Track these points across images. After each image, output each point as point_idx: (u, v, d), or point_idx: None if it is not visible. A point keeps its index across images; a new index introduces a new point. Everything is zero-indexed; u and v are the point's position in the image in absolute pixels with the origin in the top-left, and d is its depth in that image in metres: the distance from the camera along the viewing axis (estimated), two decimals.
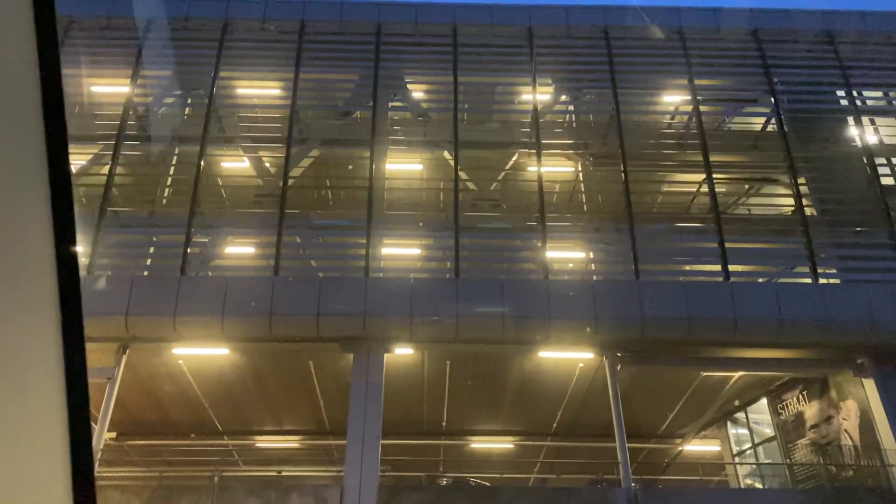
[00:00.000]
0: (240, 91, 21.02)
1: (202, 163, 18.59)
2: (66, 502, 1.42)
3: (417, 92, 21.44)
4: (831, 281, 17.78)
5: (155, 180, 20.13)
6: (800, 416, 18.45)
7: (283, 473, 21.84)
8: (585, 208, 20.59)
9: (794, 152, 18.89)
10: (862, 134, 19.50)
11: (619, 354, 16.89)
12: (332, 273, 18.50)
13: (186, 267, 17.10)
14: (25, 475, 1.40)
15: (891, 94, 21.18)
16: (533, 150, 19.11)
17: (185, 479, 17.13)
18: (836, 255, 18.25)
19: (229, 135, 19.88)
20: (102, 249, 17.53)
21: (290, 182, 18.64)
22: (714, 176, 18.64)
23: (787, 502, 15.81)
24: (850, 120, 19.92)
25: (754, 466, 20.70)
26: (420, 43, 20.72)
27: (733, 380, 18.42)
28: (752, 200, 21.13)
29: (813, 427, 17.95)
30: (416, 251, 19.50)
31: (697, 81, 19.97)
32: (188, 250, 17.32)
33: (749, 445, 20.94)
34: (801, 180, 18.80)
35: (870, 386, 16.35)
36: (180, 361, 18.00)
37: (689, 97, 19.93)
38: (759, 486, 20.42)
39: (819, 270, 17.43)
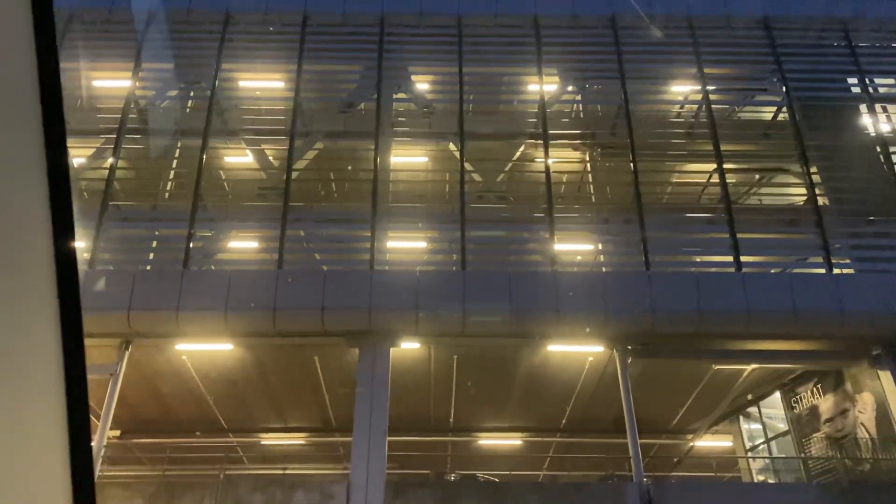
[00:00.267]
0: (242, 84, 20.77)
1: (205, 156, 18.36)
2: (66, 501, 1.41)
3: (422, 84, 21.15)
4: (845, 271, 17.43)
5: (157, 174, 19.91)
6: (814, 410, 18.09)
7: (289, 472, 21.55)
8: (594, 199, 20.27)
9: (805, 141, 18.53)
10: (875, 122, 19.14)
11: (629, 347, 16.58)
12: (337, 267, 18.20)
13: (189, 261, 16.87)
14: (25, 474, 1.39)
15: None
16: (540, 141, 18.80)
17: (189, 476, 16.86)
18: (850, 244, 17.89)
19: (232, 128, 19.63)
20: (104, 244, 17.32)
21: (294, 175, 18.38)
22: (725, 166, 18.30)
23: (804, 497, 15.46)
24: (863, 108, 19.54)
25: (767, 462, 20.35)
26: (424, 34, 20.44)
27: (746, 373, 18.05)
28: (764, 190, 20.77)
29: (828, 421, 17.59)
30: (422, 244, 19.22)
31: (707, 70, 19.63)
32: (191, 245, 17.10)
33: (762, 440, 20.58)
34: (813, 169, 18.44)
35: (886, 378, 16.00)
36: (184, 357, 17.78)
37: (699, 86, 19.58)
38: (773, 481, 20.06)
39: (833, 260, 17.08)
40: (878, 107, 19.50)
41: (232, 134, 19.59)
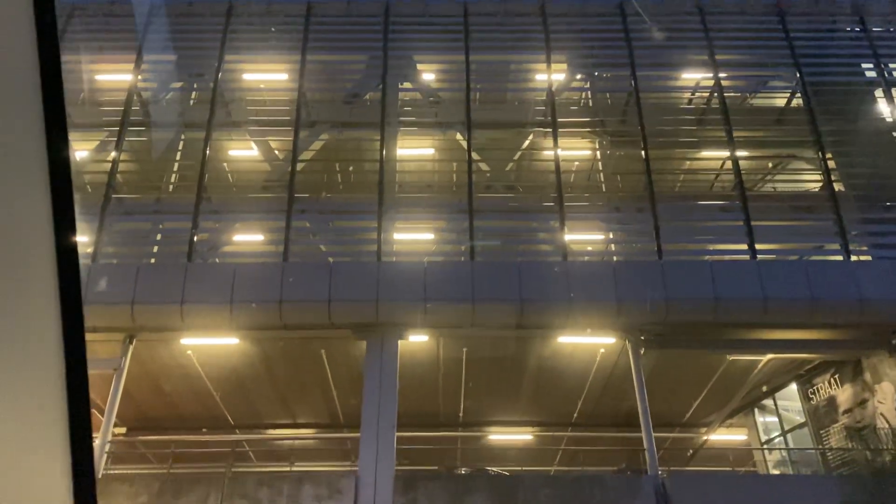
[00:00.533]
0: (246, 75, 20.52)
1: (208, 149, 18.10)
2: (67, 499, 1.40)
3: (428, 73, 20.84)
4: (862, 258, 17.03)
5: (161, 167, 19.67)
6: (832, 401, 17.68)
7: (296, 469, 21.28)
8: (604, 188, 19.91)
9: (820, 127, 18.14)
10: (890, 106, 18.72)
11: (642, 338, 16.23)
12: (344, 259, 17.90)
13: (193, 254, 16.62)
14: (26, 471, 1.39)
15: None
16: (549, 129, 18.47)
17: (195, 472, 16.60)
18: (868, 230, 17.48)
19: (236, 120, 19.37)
20: (107, 237, 17.09)
21: (299, 167, 18.11)
22: (738, 153, 17.93)
23: (824, 489, 15.04)
24: (879, 93, 19.13)
25: (783, 456, 19.93)
26: (430, 22, 20.13)
27: (761, 363, 17.65)
28: (778, 178, 20.36)
29: (846, 412, 17.18)
30: (430, 235, 18.91)
31: (719, 56, 19.25)
32: (195, 237, 16.84)
33: (778, 433, 20.16)
34: (828, 155, 18.05)
35: None
36: (189, 352, 17.51)
37: (710, 73, 19.20)
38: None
39: (850, 247, 16.69)
40: (894, 91, 19.07)
41: (236, 126, 19.33)
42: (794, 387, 19.02)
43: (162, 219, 18.62)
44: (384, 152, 18.05)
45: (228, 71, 19.61)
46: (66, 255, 1.41)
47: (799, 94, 19.03)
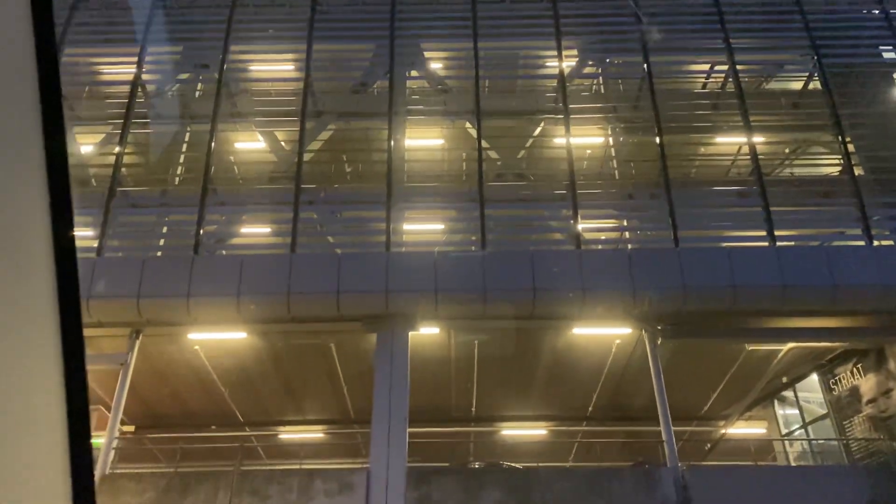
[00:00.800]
0: (252, 66, 20.25)
1: (214, 140, 17.83)
2: (65, 498, 1.39)
3: (436, 61, 20.48)
4: (885, 243, 16.57)
5: (166, 159, 19.42)
6: (855, 391, 17.20)
7: (307, 466, 20.96)
8: (617, 175, 19.50)
9: (839, 110, 17.67)
10: None
11: (658, 328, 15.81)
12: (352, 249, 17.56)
13: (200, 247, 16.33)
14: (24, 471, 1.36)
15: None
16: (560, 115, 18.08)
17: (204, 469, 16.29)
18: (889, 215, 17.01)
19: (242, 111, 19.08)
20: (113, 231, 16.83)
21: (307, 157, 17.80)
22: (755, 138, 17.50)
23: (850, 480, 14.63)
24: None
25: (805, 449, 19.45)
26: (438, 10, 19.79)
27: (781, 353, 17.20)
28: (795, 162, 19.89)
29: (870, 402, 16.69)
30: (439, 225, 18.56)
31: (733, 41, 18.79)
32: (201, 230, 16.56)
33: (799, 426, 19.68)
34: (848, 139, 17.58)
35: None
36: (196, 347, 17.24)
37: (725, 57, 18.76)
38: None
39: (872, 232, 16.22)
40: None
41: (242, 117, 19.04)
42: (814, 377, 18.55)
43: (168, 212, 18.35)
44: (392, 142, 17.73)
45: (234, 61, 19.31)
46: (65, 252, 1.39)
47: (816, 77, 18.56)
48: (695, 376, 18.48)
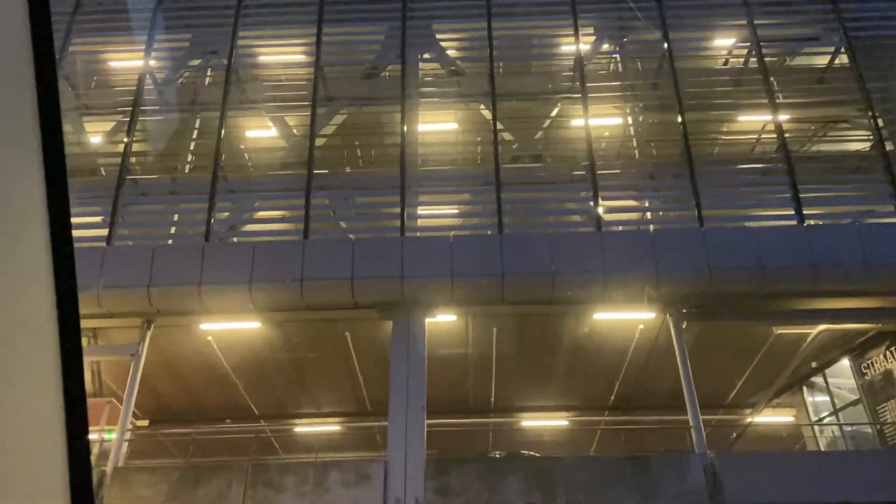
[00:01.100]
0: (261, 52, 19.88)
1: (224, 127, 17.49)
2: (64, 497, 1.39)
3: (449, 43, 20.01)
4: None
5: (176, 147, 19.10)
6: (888, 375, 16.57)
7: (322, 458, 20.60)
8: (637, 154, 18.95)
9: (868, 84, 17.03)
10: None
11: (683, 311, 15.27)
12: (366, 235, 17.13)
13: (211, 234, 16.00)
14: (20, 469, 1.36)
15: None
16: (577, 95, 17.57)
17: (218, 461, 15.95)
18: None
19: (252, 98, 18.73)
20: (122, 219, 16.54)
21: (319, 143, 17.42)
22: (781, 115, 16.90)
23: (886, 464, 14.02)
24: None
25: (835, 434, 18.80)
26: None
27: (811, 336, 16.56)
28: (823, 139, 19.23)
29: None
30: (455, 209, 18.11)
31: (755, 15, 18.17)
32: (212, 217, 16.22)
33: (829, 412, 19.03)
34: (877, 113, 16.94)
35: None
36: (209, 338, 16.90)
37: (748, 32, 18.15)
38: None
39: None
40: None
41: (252, 104, 18.69)
42: (845, 362, 17.91)
43: (178, 199, 18.03)
44: (405, 126, 17.30)
45: (242, 47, 18.96)
46: (62, 249, 1.39)
47: (843, 51, 17.92)
48: (720, 363, 17.89)
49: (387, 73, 19.31)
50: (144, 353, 15.37)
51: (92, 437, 15.78)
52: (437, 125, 19.48)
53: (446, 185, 17.75)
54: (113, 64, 20.11)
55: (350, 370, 18.58)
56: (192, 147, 19.11)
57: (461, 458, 15.15)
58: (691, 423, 14.26)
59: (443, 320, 15.93)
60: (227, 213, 17.15)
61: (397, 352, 14.98)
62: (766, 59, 17.75)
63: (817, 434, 18.85)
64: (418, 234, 16.54)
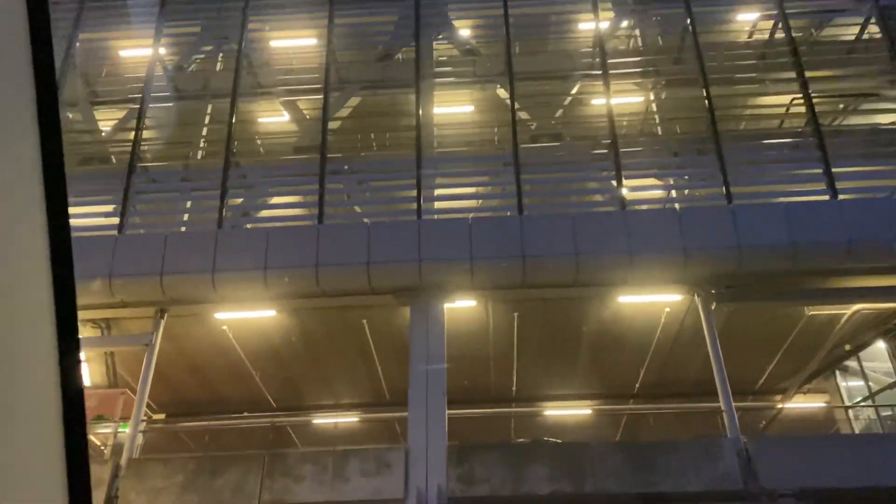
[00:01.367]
0: (272, 38, 19.53)
1: (236, 113, 17.14)
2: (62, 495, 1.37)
3: (464, 24, 19.54)
4: None
5: (188, 134, 18.81)
6: None
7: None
8: (660, 131, 18.38)
9: None
10: None
11: (713, 292, 14.71)
12: (382, 218, 16.71)
13: (223, 221, 15.65)
14: (18, 468, 1.34)
15: None
16: (598, 72, 17.04)
17: (234, 453, 15.60)
18: None
19: (264, 84, 18.38)
20: (134, 208, 16.24)
21: (334, 125, 17.03)
22: (811, 89, 16.28)
23: None
24: None
25: (871, 419, 18.16)
26: None
27: (845, 317, 15.93)
28: (854, 111, 18.58)
29: None
30: (472, 189, 17.63)
31: None
32: (225, 203, 15.87)
33: (863, 397, 18.39)
34: None
35: None
36: (224, 328, 16.56)
37: (774, 3, 17.53)
38: None
39: None
40: None
41: (264, 90, 18.34)
42: (880, 344, 17.27)
43: (191, 187, 17.70)
44: (421, 107, 16.85)
45: (253, 31, 18.62)
46: (60, 246, 1.36)
47: (874, 21, 17.27)
48: (750, 346, 17.27)
49: (400, 56, 18.88)
50: (158, 343, 15.05)
51: (106, 430, 15.60)
52: (453, 107, 19.01)
53: (463, 166, 17.29)
54: (123, 52, 19.84)
55: (368, 359, 18.18)
56: (204, 133, 18.78)
57: (485, 445, 14.68)
58: (723, 407, 13.71)
59: (462, 306, 15.48)
60: (241, 200, 16.78)
61: (416, 338, 14.55)
62: (792, 31, 17.15)
63: (852, 420, 18.20)
64: (436, 216, 16.09)
